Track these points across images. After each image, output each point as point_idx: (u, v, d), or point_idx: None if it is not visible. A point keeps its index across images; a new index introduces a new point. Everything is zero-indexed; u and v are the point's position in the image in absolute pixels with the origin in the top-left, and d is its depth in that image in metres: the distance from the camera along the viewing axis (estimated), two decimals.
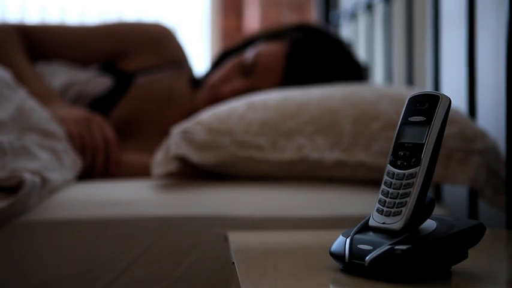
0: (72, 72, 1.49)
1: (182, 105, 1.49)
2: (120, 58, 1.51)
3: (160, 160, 1.13)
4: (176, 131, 1.14)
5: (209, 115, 1.18)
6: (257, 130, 1.14)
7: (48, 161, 1.10)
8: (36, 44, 1.51)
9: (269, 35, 1.46)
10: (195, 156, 1.11)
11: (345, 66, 1.40)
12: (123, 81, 1.46)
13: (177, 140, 1.12)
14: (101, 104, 1.44)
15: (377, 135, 1.13)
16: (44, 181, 1.04)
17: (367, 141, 1.13)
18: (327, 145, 1.13)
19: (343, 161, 1.12)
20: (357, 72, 1.43)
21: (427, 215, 0.66)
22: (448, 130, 1.11)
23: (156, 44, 1.52)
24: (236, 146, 1.13)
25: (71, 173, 1.16)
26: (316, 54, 1.37)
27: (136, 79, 1.47)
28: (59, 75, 1.48)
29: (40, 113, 1.19)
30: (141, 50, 1.51)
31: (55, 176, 1.08)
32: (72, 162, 1.18)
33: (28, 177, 0.99)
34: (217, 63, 1.52)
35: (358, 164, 1.12)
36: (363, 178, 1.14)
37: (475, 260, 0.71)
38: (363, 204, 1.04)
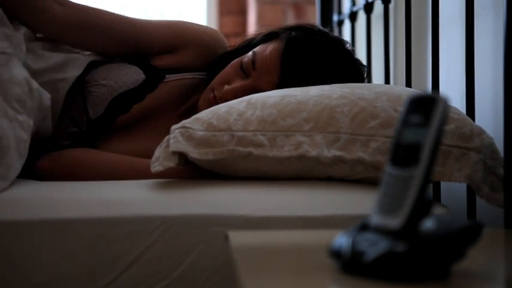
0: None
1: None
2: (164, 53, 1.49)
3: (158, 156, 1.13)
4: (175, 127, 1.15)
5: (208, 112, 1.18)
6: (256, 127, 1.14)
7: None
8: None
9: (267, 34, 1.46)
10: (194, 153, 1.12)
11: (343, 63, 1.40)
12: (154, 78, 1.45)
13: (176, 136, 1.13)
14: (128, 98, 1.42)
15: (375, 133, 1.14)
16: None
17: (365, 139, 1.13)
18: (325, 142, 1.13)
19: (341, 158, 1.12)
20: (356, 69, 1.43)
21: (426, 215, 0.67)
22: (445, 128, 1.11)
23: (204, 47, 1.50)
24: (235, 143, 1.13)
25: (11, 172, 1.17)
26: (312, 50, 1.37)
27: (167, 77, 1.46)
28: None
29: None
30: (189, 49, 1.49)
31: None
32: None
33: None
34: (215, 64, 1.52)
35: (356, 161, 1.13)
36: (361, 176, 1.15)
37: (474, 259, 0.71)
38: (363, 204, 1.04)
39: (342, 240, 0.69)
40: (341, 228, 0.74)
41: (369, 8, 1.95)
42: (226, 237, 0.87)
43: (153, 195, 1.09)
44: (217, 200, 1.06)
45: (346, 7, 2.25)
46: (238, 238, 0.85)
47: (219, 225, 1.01)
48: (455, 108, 1.19)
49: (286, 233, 0.94)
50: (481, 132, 1.14)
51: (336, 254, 0.68)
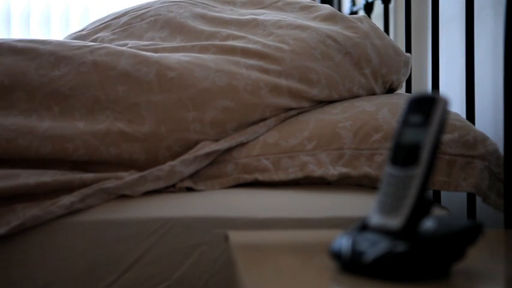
0: None
1: None
2: None
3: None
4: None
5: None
6: (259, 151, 1.14)
7: None
8: None
9: None
10: (200, 186, 1.12)
11: None
12: None
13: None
14: None
15: (378, 146, 1.13)
16: None
17: (369, 153, 1.13)
18: (330, 160, 1.13)
19: (347, 174, 1.12)
20: None
21: (426, 215, 0.67)
22: (448, 137, 1.10)
23: None
24: (239, 171, 1.13)
25: None
26: None
27: None
28: None
29: None
30: None
31: None
32: None
33: None
34: None
35: (362, 177, 1.12)
36: (367, 186, 1.14)
37: (474, 259, 0.72)
38: (363, 205, 1.04)
39: (342, 240, 0.69)
40: (341, 229, 0.74)
41: (369, 8, 1.95)
42: (227, 237, 0.87)
43: (153, 197, 1.09)
44: (217, 202, 1.06)
45: (346, 7, 2.26)
46: (238, 238, 0.85)
47: (220, 227, 1.01)
48: (457, 115, 1.18)
49: (286, 233, 0.94)
50: (484, 138, 1.13)
51: (336, 254, 0.68)
